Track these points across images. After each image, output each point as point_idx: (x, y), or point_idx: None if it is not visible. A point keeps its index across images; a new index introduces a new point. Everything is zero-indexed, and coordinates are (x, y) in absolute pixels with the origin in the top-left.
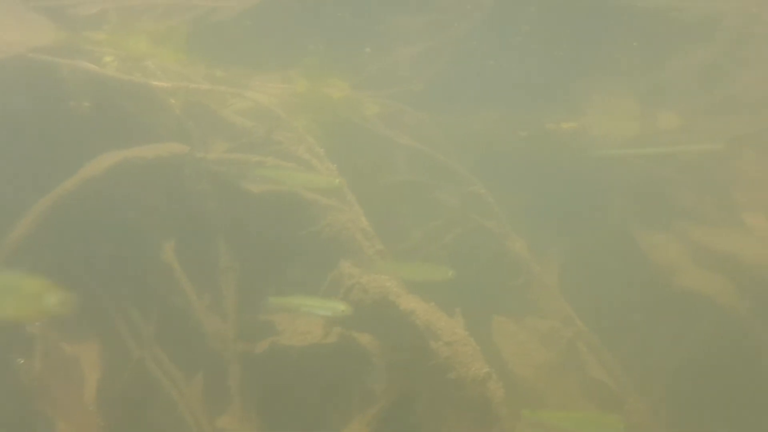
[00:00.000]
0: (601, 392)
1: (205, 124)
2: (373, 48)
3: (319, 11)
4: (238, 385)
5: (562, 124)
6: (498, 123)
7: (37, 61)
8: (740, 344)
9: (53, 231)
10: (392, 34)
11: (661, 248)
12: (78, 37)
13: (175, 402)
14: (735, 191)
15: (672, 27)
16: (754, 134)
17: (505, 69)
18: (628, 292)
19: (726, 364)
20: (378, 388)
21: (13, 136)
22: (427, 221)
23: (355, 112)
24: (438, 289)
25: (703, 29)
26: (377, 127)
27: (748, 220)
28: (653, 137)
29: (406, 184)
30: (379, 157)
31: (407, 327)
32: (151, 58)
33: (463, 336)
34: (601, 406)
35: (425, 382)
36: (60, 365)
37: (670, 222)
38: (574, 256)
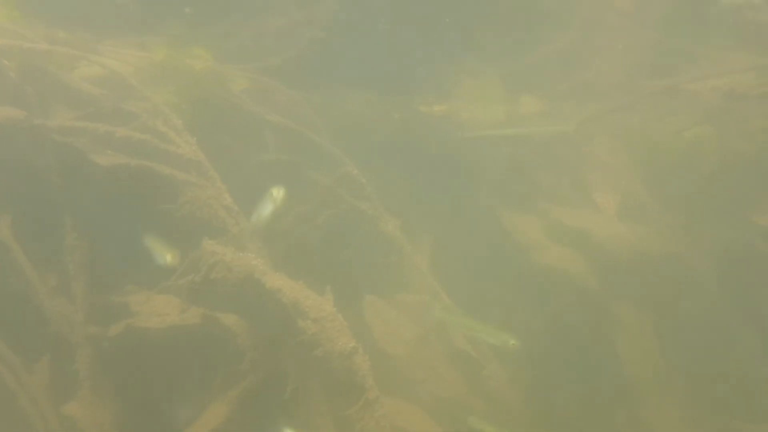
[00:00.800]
0: (465, 361)
1: (44, 90)
2: (241, 18)
3: None
4: (89, 370)
5: (435, 106)
6: (372, 104)
7: None
8: (591, 315)
9: None
10: (260, 4)
11: (523, 227)
12: None
13: (14, 391)
14: (587, 173)
15: (533, 13)
16: (601, 117)
17: (377, 50)
18: (495, 269)
19: (578, 334)
20: (243, 368)
21: None
22: (299, 202)
23: (220, 86)
24: (309, 270)
25: (562, 16)
26: (245, 103)
27: (599, 200)
28: (516, 121)
29: (276, 164)
30: (248, 135)
31: (274, 305)
32: None
33: (331, 312)
34: (464, 374)
35: (293, 359)
36: None
37: (531, 202)
38: (446, 236)
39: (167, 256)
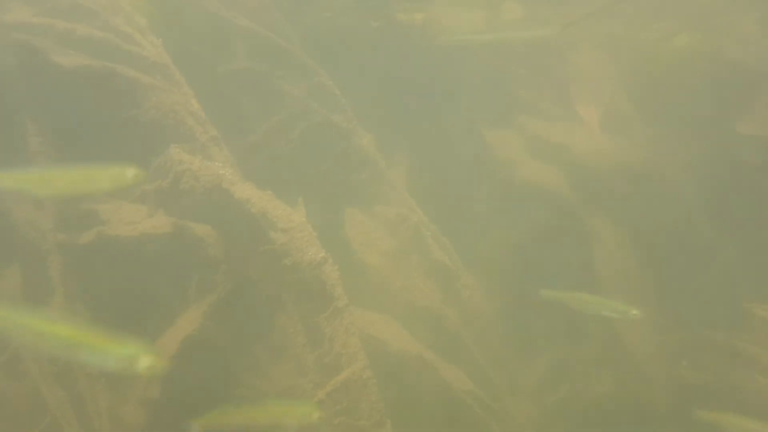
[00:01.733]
0: (440, 271)
1: None
2: None
3: None
4: (60, 277)
5: (414, 14)
6: (348, 10)
7: None
8: (570, 230)
9: None
10: None
11: (504, 142)
12: None
13: None
14: (570, 84)
15: None
16: (584, 22)
17: None
18: (474, 185)
19: (555, 248)
20: (215, 278)
21: None
22: (270, 114)
23: None
24: (284, 183)
25: None
26: (214, 7)
27: (581, 112)
28: (498, 28)
29: (246, 72)
30: (216, 41)
31: (242, 215)
32: None
33: (300, 223)
34: (439, 282)
35: (262, 268)
36: None
37: (511, 115)
38: (423, 151)
39: (129, 173)
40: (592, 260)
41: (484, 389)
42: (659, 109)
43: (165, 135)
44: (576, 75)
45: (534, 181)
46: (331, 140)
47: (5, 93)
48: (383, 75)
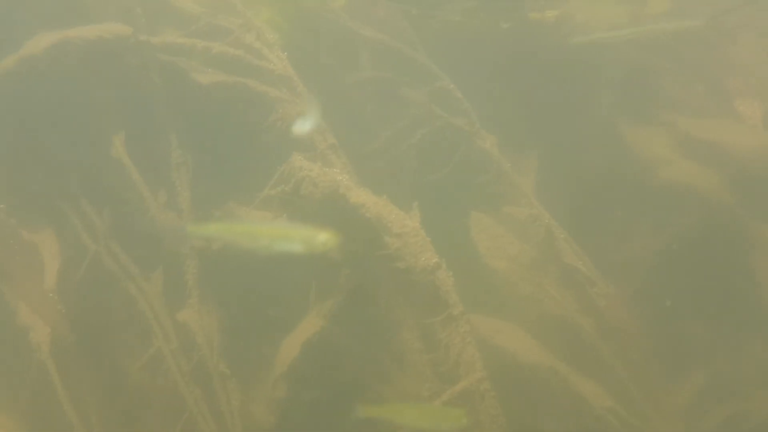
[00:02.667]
0: (575, 278)
1: (152, 10)
2: None
3: None
4: (195, 280)
5: (547, 12)
6: (476, 13)
7: None
8: (725, 237)
9: None
10: None
11: (647, 141)
12: None
13: (134, 297)
14: (727, 78)
15: None
16: (739, 10)
17: None
18: (611, 187)
19: (708, 257)
20: (335, 281)
21: None
22: (393, 121)
23: (319, 3)
24: (405, 189)
25: None
26: (342, 19)
27: (741, 108)
28: (642, 22)
29: (370, 81)
30: (344, 52)
31: (358, 220)
32: None
33: (414, 228)
34: (573, 290)
35: (377, 272)
36: (19, 251)
37: (657, 113)
38: (556, 153)
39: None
40: (753, 268)
41: (626, 407)
42: None
43: (289, 144)
44: (733, 68)
45: (682, 182)
46: (453, 144)
47: (153, 110)
48: (512, 76)
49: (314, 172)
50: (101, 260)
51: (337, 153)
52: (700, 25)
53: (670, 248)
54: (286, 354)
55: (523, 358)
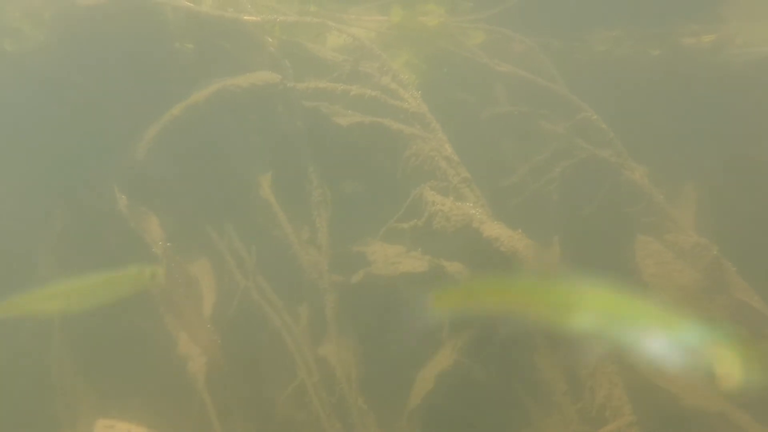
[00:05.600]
0: (747, 315)
1: (298, 61)
2: None
3: None
4: (334, 314)
5: (702, 36)
6: (623, 42)
7: (143, 1)
8: None
9: (162, 157)
10: None
11: None
12: None
13: (279, 330)
14: None
15: None
16: None
17: None
18: None
19: None
20: (467, 315)
21: (121, 75)
22: (531, 154)
23: (453, 42)
24: (541, 223)
25: None
26: (477, 56)
27: None
28: None
29: (507, 116)
30: (479, 88)
31: (492, 254)
32: None
33: (551, 263)
34: (748, 329)
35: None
36: (181, 284)
37: None
38: (719, 186)
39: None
40: None
41: None
42: None
43: (422, 179)
44: None
45: None
46: (598, 176)
47: (296, 152)
48: (664, 104)
49: (447, 206)
50: (250, 294)
51: (470, 187)
52: None
53: None
54: (420, 387)
55: (688, 401)
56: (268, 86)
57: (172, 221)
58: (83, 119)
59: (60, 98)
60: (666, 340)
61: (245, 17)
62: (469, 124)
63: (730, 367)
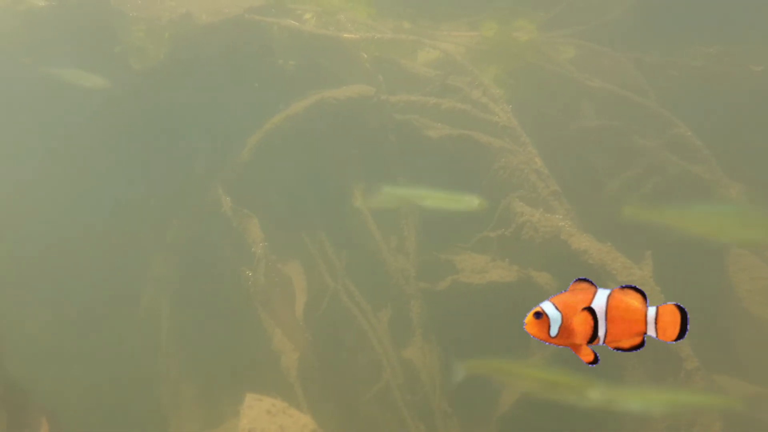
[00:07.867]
0: None
1: (391, 76)
2: None
3: None
4: (420, 319)
5: None
6: (722, 57)
7: (252, 21)
8: None
9: (262, 163)
10: None
11: None
12: None
13: (365, 331)
14: None
15: None
16: None
17: None
18: None
19: None
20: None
21: (232, 87)
22: (621, 169)
23: (544, 57)
24: (633, 237)
25: None
26: (567, 71)
27: None
28: None
29: (597, 130)
30: (569, 103)
31: (580, 265)
32: (344, 12)
33: (641, 276)
34: None
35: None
36: (277, 282)
37: None
38: None
39: (476, 202)
40: None
41: None
42: None
43: (510, 190)
44: None
45: None
46: (690, 192)
47: (388, 164)
48: (763, 119)
49: (535, 217)
50: (339, 296)
51: (559, 200)
52: None
53: None
54: (509, 395)
55: None
56: (362, 99)
57: (270, 224)
58: (193, 128)
59: (169, 111)
60: None
61: (345, 35)
62: (558, 137)
63: None
